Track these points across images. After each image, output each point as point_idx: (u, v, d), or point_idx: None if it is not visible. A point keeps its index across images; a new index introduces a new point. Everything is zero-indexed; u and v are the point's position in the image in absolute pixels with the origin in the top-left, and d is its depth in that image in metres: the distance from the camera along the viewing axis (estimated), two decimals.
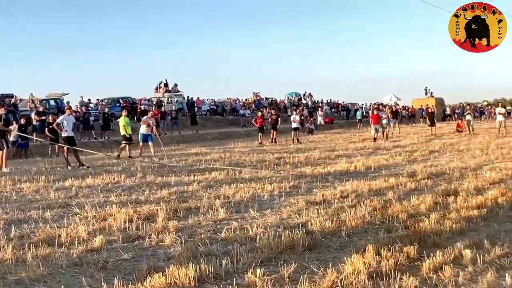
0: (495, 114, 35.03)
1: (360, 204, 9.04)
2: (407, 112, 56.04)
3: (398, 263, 5.72)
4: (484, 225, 7.56)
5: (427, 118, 36.89)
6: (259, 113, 30.17)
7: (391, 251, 6.01)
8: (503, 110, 31.07)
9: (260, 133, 27.43)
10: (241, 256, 6.08)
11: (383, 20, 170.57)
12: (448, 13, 15.59)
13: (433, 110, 37.65)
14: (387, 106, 43.43)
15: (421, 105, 54.58)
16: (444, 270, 5.45)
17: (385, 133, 27.99)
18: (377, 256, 5.90)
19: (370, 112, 35.06)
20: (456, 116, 55.26)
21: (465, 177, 12.18)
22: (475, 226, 7.48)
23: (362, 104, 59.22)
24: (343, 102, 59.43)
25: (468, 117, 32.79)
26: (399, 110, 50.19)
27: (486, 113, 66.46)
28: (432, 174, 12.92)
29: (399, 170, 13.77)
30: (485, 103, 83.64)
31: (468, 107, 49.38)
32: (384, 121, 28.62)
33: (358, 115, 46.39)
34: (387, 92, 65.30)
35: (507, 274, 5.24)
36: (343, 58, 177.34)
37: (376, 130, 27.24)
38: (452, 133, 32.28)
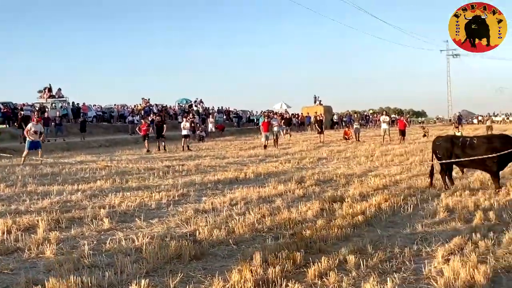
0: (380, 122, 36.58)
1: (249, 212, 9.07)
2: (297, 120, 57.15)
3: (285, 270, 5.75)
4: (368, 230, 7.80)
5: (315, 125, 37.85)
6: (143, 121, 29.61)
7: (278, 258, 6.04)
8: (387, 119, 32.63)
9: (146, 141, 26.83)
10: (125, 267, 5.94)
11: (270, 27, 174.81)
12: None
13: (321, 118, 38.72)
14: (277, 114, 44.16)
15: (307, 113, 55.97)
16: (329, 276, 5.54)
17: (275, 141, 28.41)
18: (264, 263, 5.92)
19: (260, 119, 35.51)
20: (343, 123, 57.00)
21: (351, 184, 12.56)
22: (359, 231, 7.70)
23: (254, 111, 59.84)
24: (235, 109, 59.76)
25: (356, 125, 34.05)
26: (292, 118, 51.24)
27: (372, 121, 69.30)
28: (319, 180, 13.22)
29: (288, 177, 13.95)
30: (371, 111, 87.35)
31: (355, 115, 51.39)
32: (275, 128, 29.05)
33: (261, 121, 46.77)
34: (278, 100, 66.30)
35: (388, 278, 5.41)
36: (233, 65, 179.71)
37: (267, 138, 27.61)
38: (340, 140, 33.33)
